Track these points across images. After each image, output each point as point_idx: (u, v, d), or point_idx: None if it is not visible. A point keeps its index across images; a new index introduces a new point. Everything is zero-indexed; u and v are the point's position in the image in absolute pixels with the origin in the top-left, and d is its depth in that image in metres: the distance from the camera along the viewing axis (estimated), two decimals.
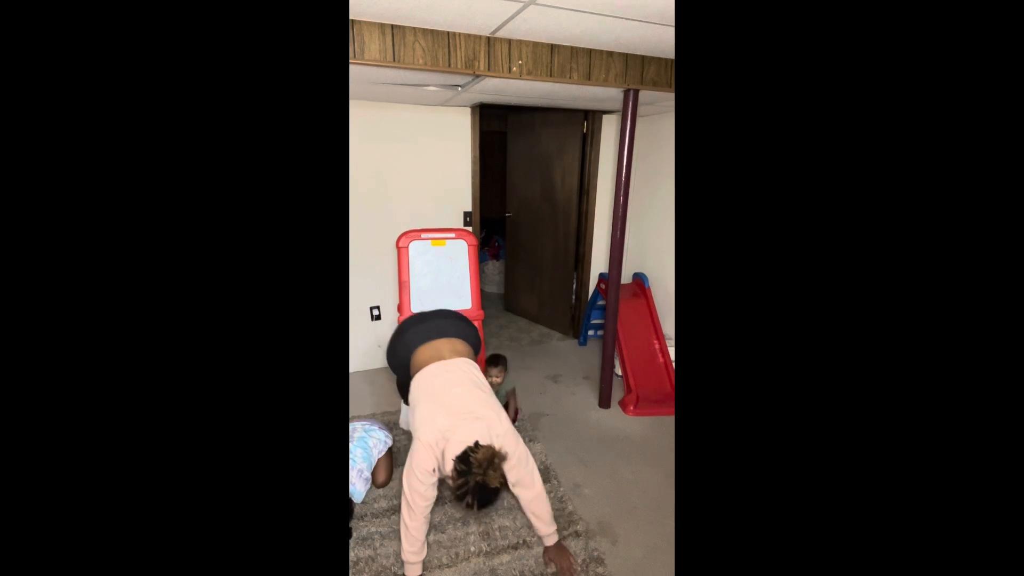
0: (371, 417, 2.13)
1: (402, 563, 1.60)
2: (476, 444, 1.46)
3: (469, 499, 1.42)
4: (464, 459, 1.43)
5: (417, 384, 1.74)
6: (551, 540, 1.66)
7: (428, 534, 1.68)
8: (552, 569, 1.64)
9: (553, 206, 3.62)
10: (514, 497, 1.65)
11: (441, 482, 1.58)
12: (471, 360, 1.85)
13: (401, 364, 1.97)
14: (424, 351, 1.87)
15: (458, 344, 1.91)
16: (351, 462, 1.88)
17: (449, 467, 1.47)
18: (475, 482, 1.40)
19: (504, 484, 1.51)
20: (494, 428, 1.54)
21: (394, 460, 2.17)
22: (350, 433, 1.97)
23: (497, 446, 1.50)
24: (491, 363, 2.43)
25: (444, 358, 1.80)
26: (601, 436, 2.45)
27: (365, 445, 1.94)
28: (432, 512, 1.67)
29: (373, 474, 2.02)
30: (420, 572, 1.59)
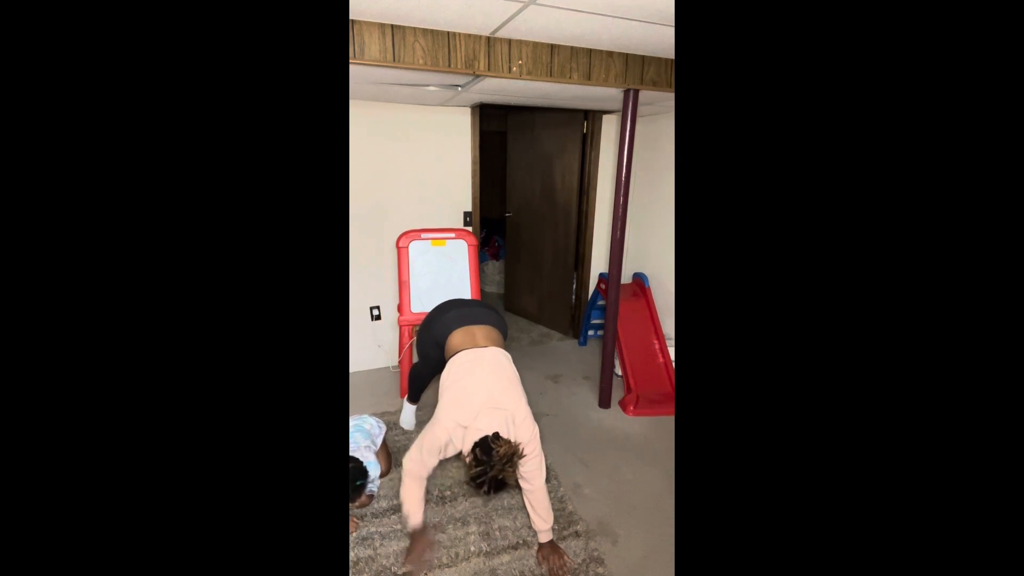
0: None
1: (402, 563, 1.61)
2: (496, 435, 1.49)
3: (486, 488, 1.47)
4: (486, 450, 1.47)
5: (451, 367, 1.78)
6: (545, 537, 1.69)
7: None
8: (545, 568, 1.64)
9: (553, 206, 3.62)
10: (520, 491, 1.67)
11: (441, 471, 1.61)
12: (504, 351, 1.87)
13: (435, 343, 1.98)
14: (460, 334, 1.89)
15: (493, 333, 1.94)
16: (353, 444, 1.94)
17: (468, 449, 1.51)
18: (493, 475, 1.45)
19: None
20: (517, 415, 1.59)
21: (392, 457, 2.17)
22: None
23: (514, 436, 1.54)
24: None
25: (479, 345, 1.83)
26: (601, 436, 2.45)
27: (362, 429, 2.03)
28: (432, 512, 1.68)
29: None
30: (421, 519, 1.64)
